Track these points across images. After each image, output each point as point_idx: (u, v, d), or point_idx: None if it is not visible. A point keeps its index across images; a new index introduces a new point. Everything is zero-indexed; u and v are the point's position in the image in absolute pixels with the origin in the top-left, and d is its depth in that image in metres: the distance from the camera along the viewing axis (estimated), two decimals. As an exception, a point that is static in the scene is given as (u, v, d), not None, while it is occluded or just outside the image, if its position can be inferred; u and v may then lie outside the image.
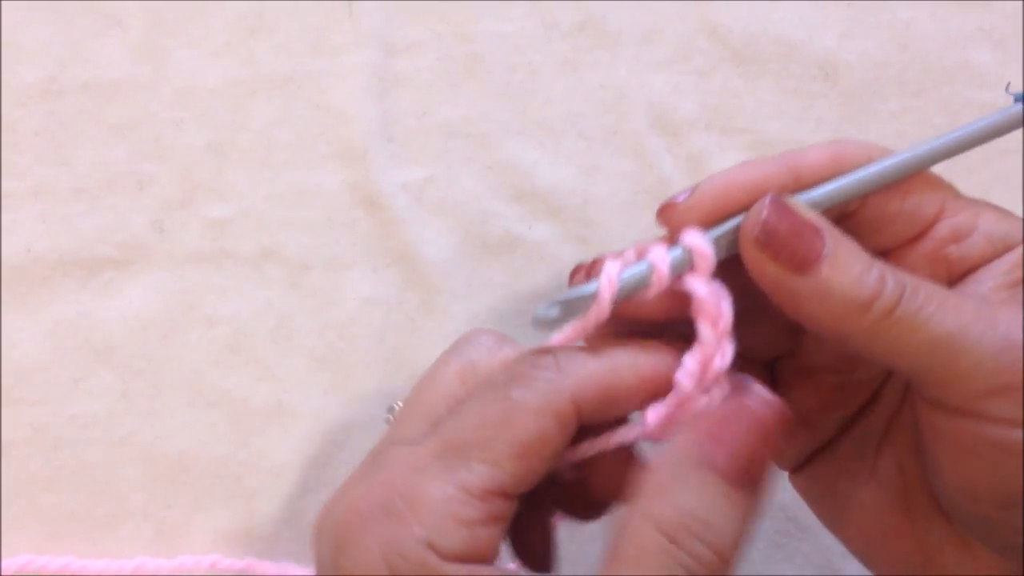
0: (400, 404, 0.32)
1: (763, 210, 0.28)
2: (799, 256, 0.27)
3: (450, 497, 0.26)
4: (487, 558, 0.27)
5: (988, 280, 0.29)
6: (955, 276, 0.30)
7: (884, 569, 0.32)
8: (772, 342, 0.33)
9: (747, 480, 0.26)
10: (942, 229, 0.30)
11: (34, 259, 0.42)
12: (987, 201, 0.31)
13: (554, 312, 0.28)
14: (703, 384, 0.28)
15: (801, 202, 0.29)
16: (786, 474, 0.35)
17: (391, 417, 0.32)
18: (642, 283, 0.28)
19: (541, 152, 0.45)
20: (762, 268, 0.28)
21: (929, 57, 0.46)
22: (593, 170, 0.45)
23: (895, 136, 0.45)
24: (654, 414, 0.28)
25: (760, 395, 0.27)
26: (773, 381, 0.34)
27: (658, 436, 0.28)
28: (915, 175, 0.30)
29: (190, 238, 0.43)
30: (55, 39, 0.43)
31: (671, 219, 0.29)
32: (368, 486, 0.27)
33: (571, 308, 0.28)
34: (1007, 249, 0.30)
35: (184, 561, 0.40)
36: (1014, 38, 0.46)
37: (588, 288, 0.28)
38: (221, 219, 0.43)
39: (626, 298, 0.28)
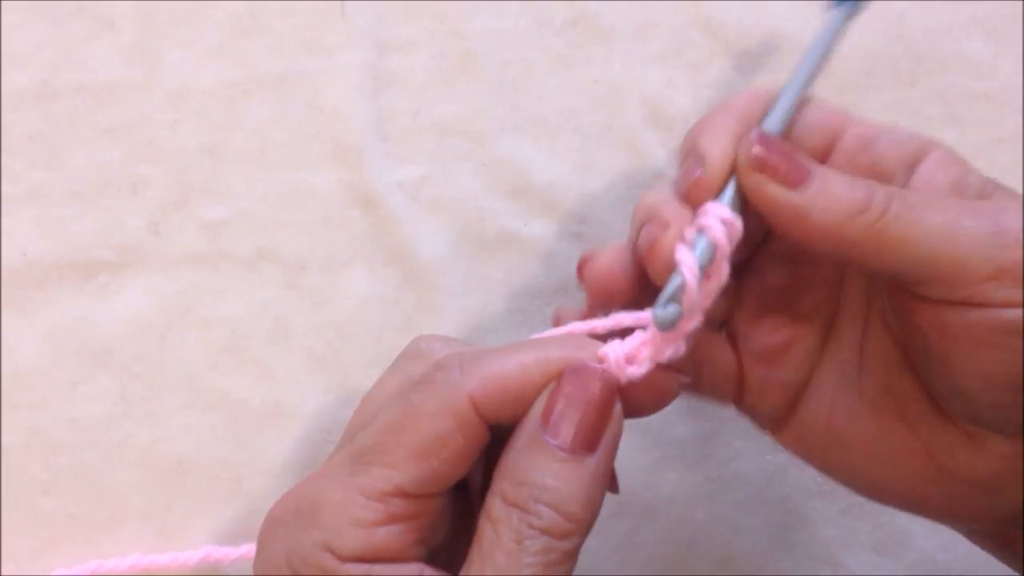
0: None
1: (754, 141, 0.31)
2: (793, 172, 0.30)
3: (347, 501, 0.28)
4: (391, 557, 0.28)
5: (928, 186, 0.31)
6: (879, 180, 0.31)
7: (900, 491, 0.33)
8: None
9: (582, 447, 0.28)
10: (847, 140, 0.32)
11: (30, 263, 0.42)
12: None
13: (672, 310, 0.30)
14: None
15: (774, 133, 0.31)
16: (791, 465, 0.35)
17: None
18: (710, 259, 0.30)
19: (536, 149, 0.45)
20: (763, 190, 0.30)
21: (922, 47, 0.46)
22: (588, 166, 0.45)
23: (890, 127, 0.45)
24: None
25: (587, 369, 0.29)
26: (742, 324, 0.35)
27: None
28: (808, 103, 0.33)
29: (186, 240, 0.43)
30: (48, 42, 0.43)
31: (702, 196, 0.31)
32: (287, 493, 0.30)
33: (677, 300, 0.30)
34: (924, 153, 0.32)
35: (176, 556, 0.40)
36: (1007, 28, 0.46)
37: (676, 281, 0.30)
38: (216, 220, 0.43)
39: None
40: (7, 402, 0.41)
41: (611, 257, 0.33)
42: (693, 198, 0.31)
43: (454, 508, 0.31)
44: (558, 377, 0.29)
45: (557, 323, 0.33)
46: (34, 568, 0.40)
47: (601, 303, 0.33)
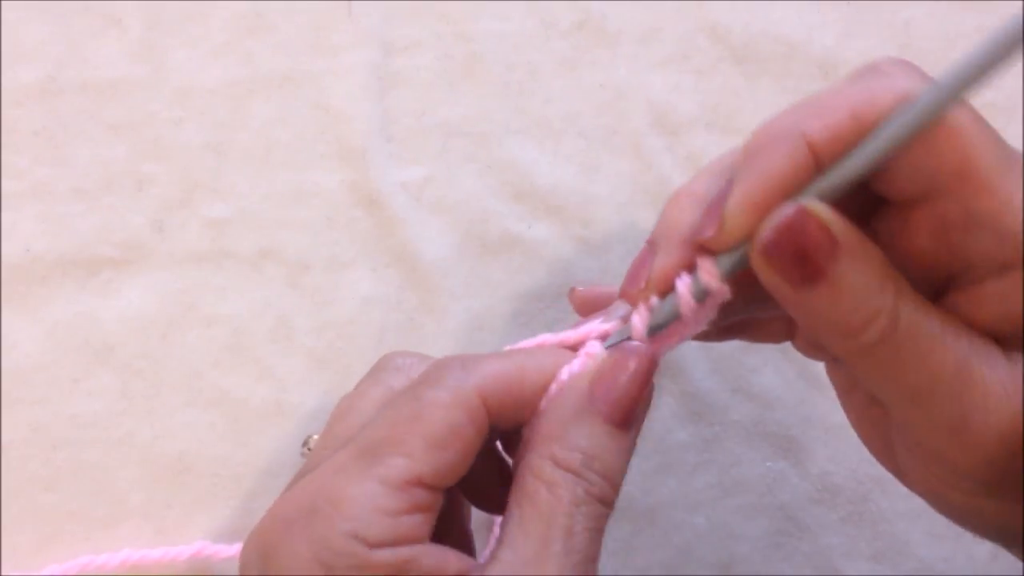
0: (316, 437, 0.34)
1: (771, 228, 0.27)
2: (802, 273, 0.27)
3: (372, 491, 0.28)
4: (415, 544, 0.28)
5: (997, 303, 0.28)
6: (958, 266, 0.28)
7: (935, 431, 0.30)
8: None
9: (626, 421, 0.30)
10: (953, 206, 0.27)
11: (33, 259, 0.42)
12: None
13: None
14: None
15: (821, 209, 0.27)
16: (803, 468, 0.35)
17: (307, 450, 0.34)
18: (672, 315, 0.30)
19: (540, 151, 0.45)
20: (765, 278, 0.28)
21: (928, 56, 0.46)
22: (592, 169, 0.45)
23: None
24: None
25: (632, 350, 0.30)
26: None
27: None
28: (938, 128, 0.26)
29: (189, 238, 0.43)
30: (54, 39, 0.43)
31: (705, 251, 0.29)
32: (290, 495, 0.29)
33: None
34: (1015, 259, 0.27)
35: (168, 551, 0.40)
36: (1014, 37, 0.46)
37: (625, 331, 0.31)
38: (220, 219, 0.43)
39: (661, 327, 0.31)
40: (8, 398, 0.41)
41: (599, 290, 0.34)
42: (701, 248, 0.30)
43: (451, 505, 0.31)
44: (606, 357, 0.30)
45: (576, 300, 0.34)
46: (34, 563, 0.40)
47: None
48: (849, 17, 0.46)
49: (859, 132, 0.27)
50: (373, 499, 0.28)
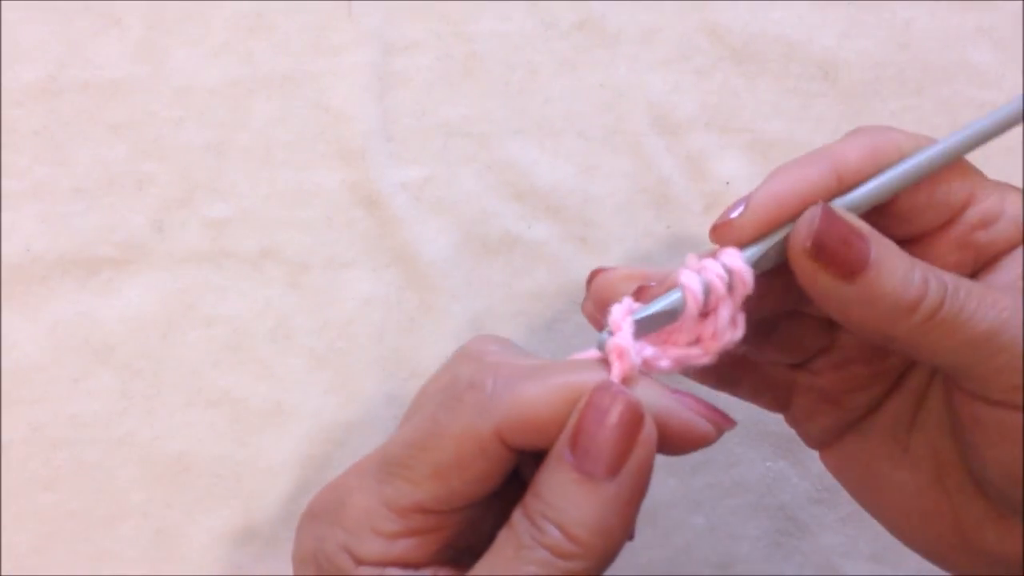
0: None
1: (814, 222, 0.29)
2: (848, 264, 0.28)
3: (371, 510, 0.28)
4: (406, 565, 0.28)
5: (1017, 266, 0.31)
6: (983, 261, 0.31)
7: (923, 547, 0.33)
8: (811, 340, 0.34)
9: (599, 469, 0.27)
10: (971, 216, 0.31)
11: (33, 259, 0.42)
12: (1013, 186, 0.32)
13: (603, 336, 0.29)
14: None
15: (846, 209, 0.30)
16: (803, 468, 0.35)
17: None
18: (677, 310, 0.30)
19: (540, 151, 0.45)
20: (813, 278, 0.29)
21: (929, 56, 0.46)
22: (592, 169, 0.45)
23: (895, 135, 0.45)
24: None
25: (610, 387, 0.28)
26: (800, 368, 0.34)
27: None
28: (950, 169, 0.31)
29: (189, 238, 0.43)
30: (54, 38, 0.43)
31: (726, 237, 0.30)
32: (328, 487, 0.30)
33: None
34: None
35: None
36: (1014, 37, 0.46)
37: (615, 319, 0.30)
38: (220, 219, 0.43)
39: (659, 324, 0.30)
40: (8, 398, 0.41)
41: (622, 272, 0.32)
42: (715, 236, 0.31)
43: (503, 508, 0.30)
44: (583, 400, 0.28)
45: (596, 282, 0.33)
46: (34, 563, 0.40)
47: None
48: (849, 17, 0.46)
49: (878, 165, 0.30)
50: (371, 518, 0.28)
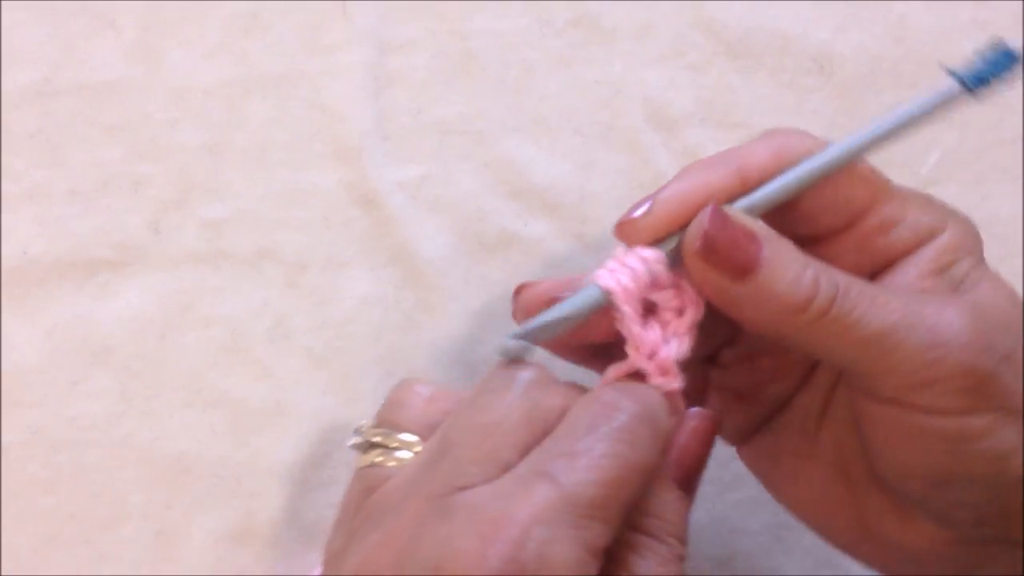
0: (366, 423, 0.33)
1: (703, 224, 0.29)
2: (738, 265, 0.29)
3: (581, 561, 0.26)
4: None
5: (913, 269, 0.31)
6: (880, 264, 0.32)
7: (831, 537, 0.35)
8: (715, 335, 0.35)
9: (693, 486, 0.31)
10: (871, 220, 0.32)
11: (31, 261, 0.42)
12: (919, 192, 0.33)
13: (514, 344, 0.30)
14: None
15: (740, 211, 0.30)
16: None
17: (360, 439, 0.32)
18: (594, 307, 0.30)
19: (537, 149, 0.45)
20: (704, 277, 0.30)
21: (924, 50, 0.46)
22: (589, 166, 0.45)
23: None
24: None
25: (699, 415, 0.32)
26: (712, 363, 0.36)
27: None
28: (848, 169, 0.31)
29: (186, 238, 0.43)
30: (49, 41, 0.43)
31: (630, 235, 0.31)
32: (478, 539, 0.26)
33: (532, 337, 0.31)
34: (932, 237, 0.31)
35: None
36: (1008, 30, 0.46)
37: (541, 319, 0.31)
38: (217, 219, 0.43)
39: (573, 325, 0.31)
40: (7, 400, 0.41)
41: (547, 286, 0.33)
42: (619, 233, 0.31)
43: None
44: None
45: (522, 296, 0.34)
46: (34, 565, 0.40)
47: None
48: (844, 11, 0.46)
49: (780, 166, 0.31)
50: (580, 570, 0.27)
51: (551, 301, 0.31)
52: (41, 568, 0.40)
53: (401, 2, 0.45)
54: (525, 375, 0.30)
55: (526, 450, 0.28)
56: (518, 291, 0.34)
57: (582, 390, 0.31)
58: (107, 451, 0.41)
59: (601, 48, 0.45)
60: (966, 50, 0.46)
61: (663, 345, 0.31)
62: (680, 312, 0.31)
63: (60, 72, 0.43)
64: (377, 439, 0.32)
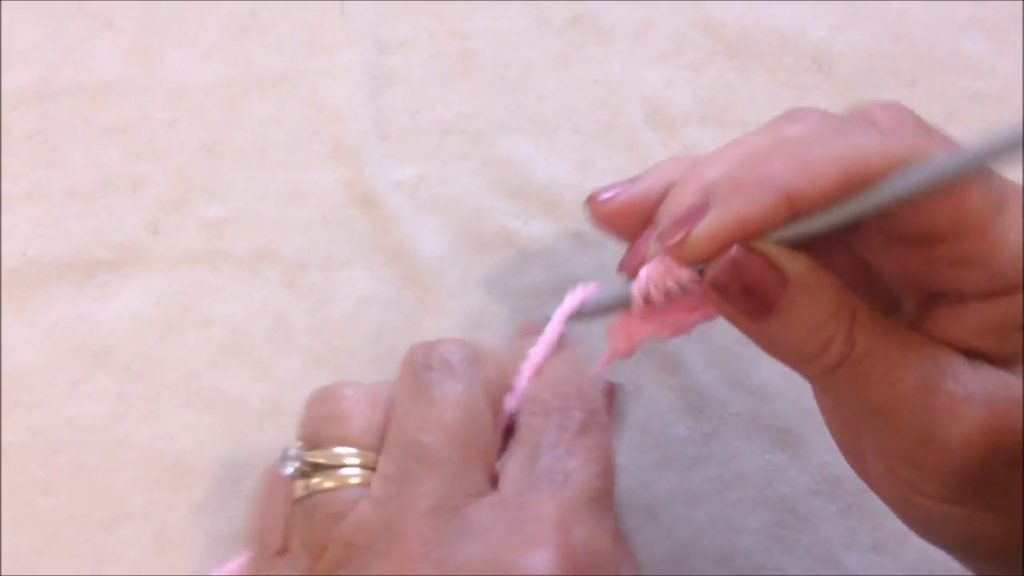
0: (296, 445, 0.31)
1: (718, 268, 0.28)
2: (751, 308, 0.28)
3: (617, 549, 0.28)
4: None
5: (975, 316, 0.28)
6: (933, 285, 0.29)
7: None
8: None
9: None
10: (945, 248, 0.28)
11: (30, 262, 0.42)
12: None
13: (289, 463, 0.30)
14: None
15: (775, 245, 0.28)
16: (803, 461, 0.38)
17: (292, 466, 0.30)
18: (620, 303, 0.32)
19: (535, 148, 0.45)
20: (719, 307, 0.29)
21: (922, 47, 0.46)
22: (588, 165, 0.45)
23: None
24: None
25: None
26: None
27: None
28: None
29: (185, 239, 0.43)
30: (47, 41, 0.43)
31: (678, 258, 0.30)
32: (528, 545, 0.26)
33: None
34: (1008, 290, 0.28)
35: None
36: (1007, 27, 0.46)
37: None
38: (216, 219, 0.43)
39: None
40: (6, 401, 0.41)
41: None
42: (673, 254, 0.30)
43: None
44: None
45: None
46: (34, 566, 0.40)
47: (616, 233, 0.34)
48: (842, 10, 0.46)
49: (843, 192, 0.27)
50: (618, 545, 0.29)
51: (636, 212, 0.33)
52: (41, 568, 0.40)
53: (399, 2, 0.45)
54: (452, 356, 0.31)
55: (497, 439, 0.30)
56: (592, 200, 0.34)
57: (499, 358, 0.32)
58: (106, 452, 0.41)
59: (600, 47, 0.45)
60: (965, 47, 0.46)
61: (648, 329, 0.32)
62: (692, 310, 0.31)
63: (59, 72, 0.43)
64: (321, 460, 0.29)
